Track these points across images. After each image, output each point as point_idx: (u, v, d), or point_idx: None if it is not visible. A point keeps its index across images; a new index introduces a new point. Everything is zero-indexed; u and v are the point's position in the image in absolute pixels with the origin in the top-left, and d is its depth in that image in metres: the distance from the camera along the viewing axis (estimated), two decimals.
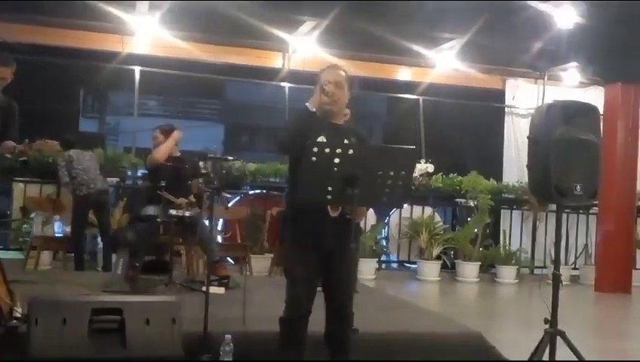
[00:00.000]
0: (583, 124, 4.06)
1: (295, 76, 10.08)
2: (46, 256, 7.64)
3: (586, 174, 4.02)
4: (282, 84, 10.16)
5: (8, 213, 8.55)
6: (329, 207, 3.26)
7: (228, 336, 3.62)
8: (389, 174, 3.09)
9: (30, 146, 5.02)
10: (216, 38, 9.55)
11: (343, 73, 3.51)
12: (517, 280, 9.60)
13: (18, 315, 3.71)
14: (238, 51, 9.92)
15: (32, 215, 7.88)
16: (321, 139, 3.29)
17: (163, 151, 6.11)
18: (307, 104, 3.34)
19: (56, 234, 7.85)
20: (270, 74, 10.21)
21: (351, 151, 3.05)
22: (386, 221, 9.84)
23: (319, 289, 3.40)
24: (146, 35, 9.17)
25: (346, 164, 3.00)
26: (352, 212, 3.13)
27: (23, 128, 5.08)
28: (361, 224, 3.41)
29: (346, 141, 3.34)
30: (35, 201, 7.89)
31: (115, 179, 7.80)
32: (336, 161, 3.00)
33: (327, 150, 3.01)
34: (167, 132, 6.28)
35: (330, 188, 3.03)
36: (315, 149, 3.00)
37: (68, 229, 7.87)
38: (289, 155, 3.46)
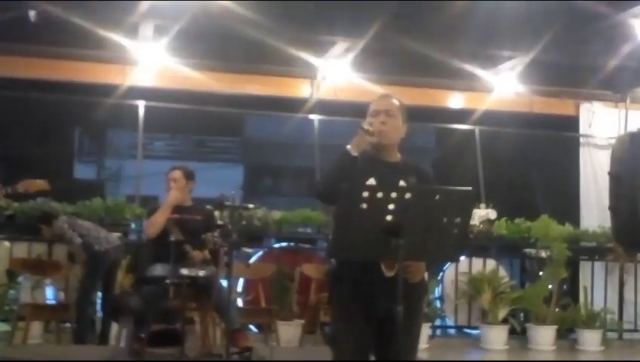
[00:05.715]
0: None
1: (325, 107, 10.18)
2: (36, 326, 7.68)
3: None
4: (310, 116, 10.25)
5: None
6: (383, 266, 3.20)
7: None
8: (442, 221, 3.07)
9: (7, 189, 5.13)
10: (233, 65, 9.69)
11: (395, 102, 3.54)
12: (603, 347, 9.39)
13: None
14: (259, 80, 10.06)
15: (20, 278, 7.98)
16: (371, 182, 3.28)
17: (158, 222, 6.20)
18: (348, 147, 3.31)
19: (48, 301, 7.92)
20: (296, 105, 10.29)
21: (408, 196, 3.01)
22: (440, 277, 9.76)
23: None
24: (151, 65, 9.35)
25: (404, 212, 2.96)
26: (405, 269, 3.10)
27: (10, 174, 5.22)
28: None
29: (402, 183, 3.32)
30: (22, 263, 7.96)
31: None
32: (391, 207, 2.96)
33: (379, 195, 2.96)
34: (189, 175, 6.42)
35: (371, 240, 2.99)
36: (366, 194, 2.95)
37: (62, 295, 7.95)
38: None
